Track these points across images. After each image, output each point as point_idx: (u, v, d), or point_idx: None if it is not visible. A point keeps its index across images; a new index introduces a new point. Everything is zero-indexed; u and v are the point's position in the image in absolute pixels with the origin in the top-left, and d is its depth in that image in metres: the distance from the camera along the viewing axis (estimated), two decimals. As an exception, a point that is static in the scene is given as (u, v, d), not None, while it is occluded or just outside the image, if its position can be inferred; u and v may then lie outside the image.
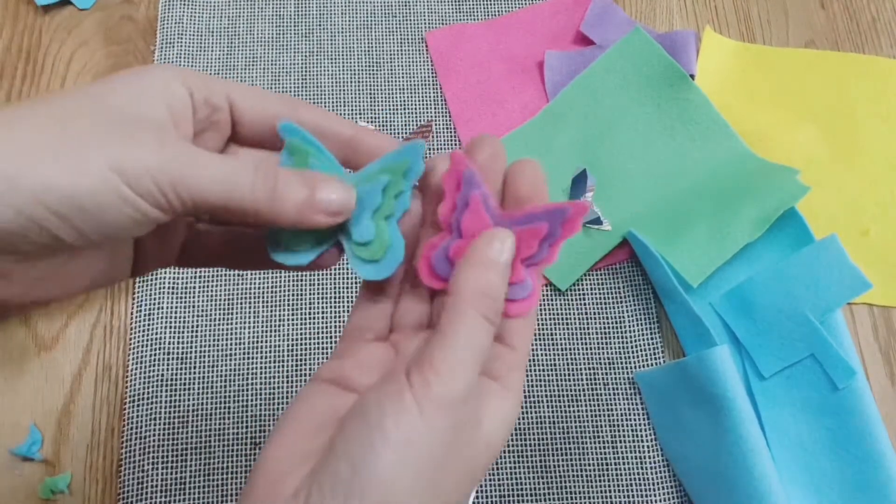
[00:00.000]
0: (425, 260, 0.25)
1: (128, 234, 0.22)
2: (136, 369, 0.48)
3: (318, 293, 0.51)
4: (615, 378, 0.50)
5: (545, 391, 0.49)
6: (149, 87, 0.23)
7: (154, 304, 0.49)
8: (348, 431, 0.22)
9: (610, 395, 0.49)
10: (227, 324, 0.49)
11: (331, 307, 0.50)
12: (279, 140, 0.26)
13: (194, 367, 0.48)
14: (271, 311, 0.50)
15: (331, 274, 0.51)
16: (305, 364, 0.49)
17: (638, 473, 0.47)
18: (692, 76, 0.56)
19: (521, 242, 0.25)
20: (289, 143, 0.26)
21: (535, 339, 0.50)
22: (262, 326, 0.50)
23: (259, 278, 0.51)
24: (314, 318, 0.50)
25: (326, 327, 0.50)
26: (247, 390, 0.48)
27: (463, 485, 0.23)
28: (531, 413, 0.49)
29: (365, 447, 0.21)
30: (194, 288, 0.50)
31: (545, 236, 0.24)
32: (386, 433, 0.21)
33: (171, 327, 0.49)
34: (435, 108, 0.57)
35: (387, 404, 0.21)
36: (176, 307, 0.49)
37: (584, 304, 0.52)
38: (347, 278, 0.51)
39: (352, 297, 0.51)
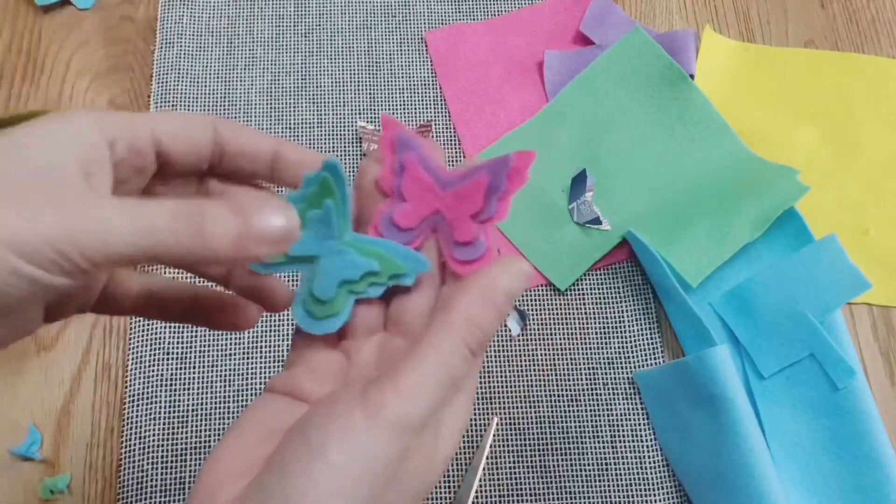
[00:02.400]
0: (374, 229, 0.25)
1: (35, 304, 0.21)
2: (135, 369, 0.48)
3: (318, 293, 0.51)
4: (615, 378, 0.50)
5: (545, 391, 0.49)
6: (58, 138, 0.21)
7: (154, 304, 0.49)
8: (287, 451, 0.20)
9: (610, 395, 0.49)
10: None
11: (331, 307, 0.50)
12: (205, 166, 0.26)
13: (194, 367, 0.48)
14: (271, 311, 0.50)
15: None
16: (305, 364, 0.49)
17: (638, 473, 0.47)
18: (692, 76, 0.56)
19: (463, 199, 0.24)
20: (320, 178, 0.24)
21: (535, 339, 0.50)
22: (262, 326, 0.50)
23: (259, 278, 0.51)
24: (314, 318, 0.50)
25: (326, 327, 0.50)
26: (247, 390, 0.48)
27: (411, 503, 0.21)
28: (531, 413, 0.49)
29: (302, 471, 0.19)
30: (194, 288, 0.50)
31: (490, 189, 0.23)
32: (327, 458, 0.19)
33: (170, 327, 0.49)
34: (435, 108, 0.57)
35: (332, 426, 0.20)
36: (176, 307, 0.49)
37: (584, 304, 0.52)
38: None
39: (352, 297, 0.51)
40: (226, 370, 0.48)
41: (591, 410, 0.49)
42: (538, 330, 0.51)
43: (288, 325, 0.50)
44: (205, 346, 0.49)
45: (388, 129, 0.25)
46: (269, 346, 0.49)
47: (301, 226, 0.24)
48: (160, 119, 0.24)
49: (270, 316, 0.50)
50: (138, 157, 0.24)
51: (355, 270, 0.24)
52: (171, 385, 0.47)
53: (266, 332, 0.49)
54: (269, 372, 0.48)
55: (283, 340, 0.49)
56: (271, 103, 0.56)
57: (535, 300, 0.52)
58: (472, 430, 0.48)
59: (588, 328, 0.51)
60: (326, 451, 0.19)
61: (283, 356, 0.49)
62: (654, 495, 0.47)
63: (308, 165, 0.26)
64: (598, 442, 0.48)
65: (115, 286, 0.27)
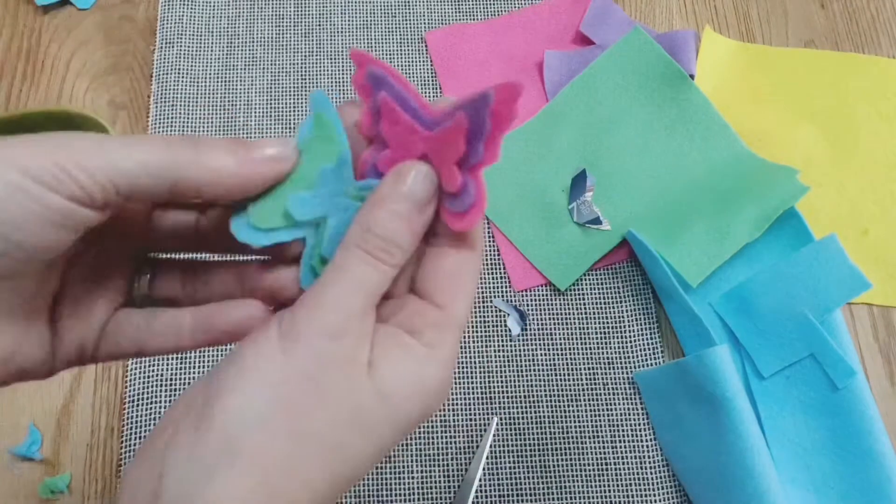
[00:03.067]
0: (359, 178, 0.24)
1: (52, 244, 0.20)
2: (135, 369, 0.48)
3: (318, 293, 0.51)
4: (615, 378, 0.50)
5: (545, 391, 0.49)
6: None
7: (154, 303, 0.49)
8: (210, 373, 0.21)
9: (610, 395, 0.49)
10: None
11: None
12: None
13: (194, 367, 0.48)
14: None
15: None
16: (305, 364, 0.49)
17: (638, 473, 0.47)
18: (692, 76, 0.56)
19: (444, 143, 0.22)
20: (314, 117, 0.23)
21: (535, 339, 0.50)
22: (262, 326, 0.50)
23: (259, 278, 0.51)
24: (314, 318, 0.50)
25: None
26: (246, 390, 0.48)
27: (342, 428, 0.21)
28: (531, 413, 0.49)
29: (220, 380, 0.20)
30: (194, 288, 0.50)
31: (470, 132, 0.21)
32: (243, 366, 0.20)
33: (170, 327, 0.49)
34: (435, 108, 0.57)
35: (249, 342, 0.21)
36: (176, 307, 0.49)
37: (584, 304, 0.52)
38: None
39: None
40: (226, 370, 0.48)
41: (591, 410, 0.49)
42: (538, 330, 0.51)
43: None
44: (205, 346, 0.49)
45: (359, 66, 0.23)
46: (269, 346, 0.49)
47: (306, 185, 0.23)
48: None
49: (270, 316, 0.50)
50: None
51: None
52: (171, 385, 0.47)
53: (266, 332, 0.49)
54: (269, 372, 0.48)
55: (283, 340, 0.49)
56: (271, 103, 0.56)
57: (535, 300, 0.52)
58: (472, 430, 0.48)
59: (588, 328, 0.51)
60: (244, 362, 0.20)
61: (283, 356, 0.49)
62: (654, 495, 0.47)
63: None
64: (598, 442, 0.48)
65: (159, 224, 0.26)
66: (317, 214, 0.23)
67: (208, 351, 0.48)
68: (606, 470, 0.47)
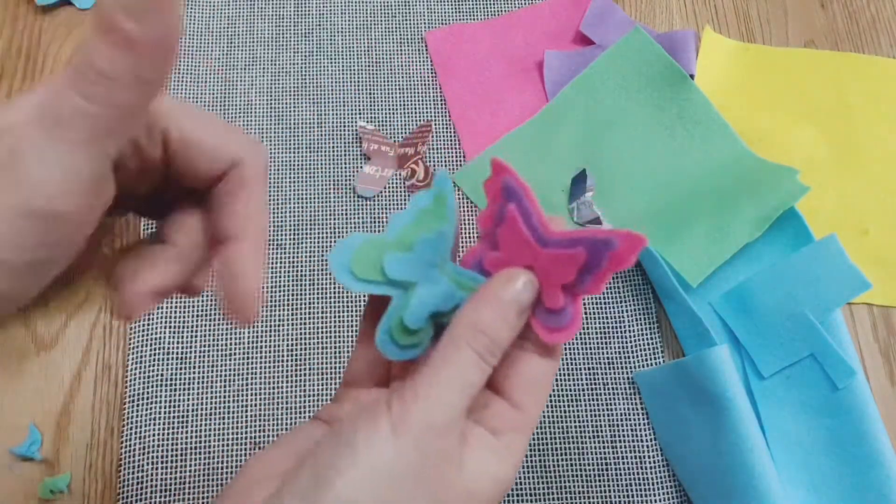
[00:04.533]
0: (461, 265, 0.25)
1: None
2: (135, 369, 0.48)
3: (319, 293, 0.51)
4: (615, 378, 0.50)
5: (545, 391, 0.49)
6: None
7: (154, 304, 0.49)
8: (319, 448, 0.22)
9: (610, 395, 0.49)
10: (227, 324, 0.49)
11: (331, 307, 0.50)
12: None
13: (194, 367, 0.48)
14: (271, 311, 0.50)
15: (330, 274, 0.51)
16: (305, 364, 0.49)
17: (638, 473, 0.47)
18: (692, 76, 0.56)
19: (555, 266, 0.23)
20: (435, 194, 0.24)
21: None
22: (262, 326, 0.50)
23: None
24: (314, 318, 0.50)
25: (326, 327, 0.50)
26: (247, 390, 0.48)
27: None
28: (531, 413, 0.49)
29: (330, 463, 0.21)
30: (194, 288, 0.50)
31: (585, 265, 0.23)
32: (354, 452, 0.21)
33: (171, 327, 0.49)
34: (435, 108, 0.57)
35: (360, 425, 0.21)
36: (176, 307, 0.49)
37: (584, 305, 0.52)
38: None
39: (352, 297, 0.51)
40: (226, 370, 0.48)
41: (591, 410, 0.49)
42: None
43: (288, 325, 0.50)
44: (205, 346, 0.49)
45: (496, 174, 0.24)
46: (270, 347, 0.49)
47: (405, 247, 0.24)
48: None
49: (270, 316, 0.50)
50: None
51: (450, 302, 0.24)
52: (171, 385, 0.47)
53: (266, 332, 0.49)
54: (269, 372, 0.48)
55: (282, 341, 0.49)
56: (271, 103, 0.56)
57: (535, 300, 0.52)
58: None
59: (588, 328, 0.51)
60: (355, 447, 0.21)
61: (283, 356, 0.49)
62: (654, 495, 0.47)
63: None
64: (598, 442, 0.48)
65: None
66: (407, 278, 0.24)
67: (208, 351, 0.48)
68: (606, 470, 0.47)
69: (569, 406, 0.49)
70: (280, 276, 0.51)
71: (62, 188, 0.19)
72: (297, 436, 0.24)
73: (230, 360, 0.49)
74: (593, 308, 0.52)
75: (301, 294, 0.51)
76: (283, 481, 0.21)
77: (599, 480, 0.47)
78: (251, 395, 0.48)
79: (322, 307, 0.50)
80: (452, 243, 0.25)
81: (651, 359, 0.50)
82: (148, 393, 0.47)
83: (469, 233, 0.53)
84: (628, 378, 0.50)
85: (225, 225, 0.24)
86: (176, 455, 0.46)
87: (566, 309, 0.23)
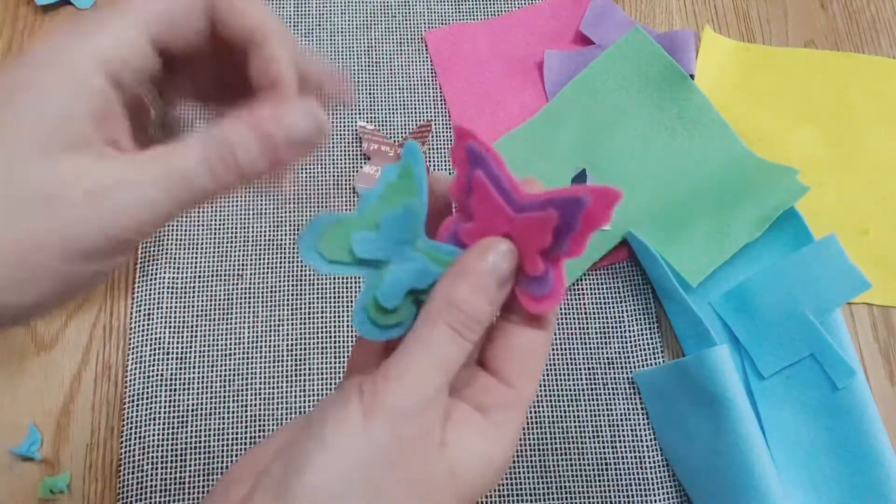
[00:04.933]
0: (438, 240, 0.24)
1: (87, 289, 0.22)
2: (135, 369, 0.48)
3: (319, 293, 0.51)
4: (615, 378, 0.50)
5: (545, 391, 0.49)
6: (55, 104, 0.20)
7: (154, 303, 0.49)
8: (291, 439, 0.21)
9: (610, 395, 0.49)
10: (227, 324, 0.49)
11: (331, 307, 0.50)
12: (207, 48, 0.23)
13: (194, 367, 0.48)
14: (271, 311, 0.50)
15: (331, 274, 0.51)
16: (305, 364, 0.49)
17: (638, 473, 0.47)
18: (692, 76, 0.56)
19: (530, 231, 0.22)
20: (403, 166, 0.24)
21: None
22: (262, 326, 0.50)
23: (259, 278, 0.51)
24: (314, 318, 0.50)
25: (326, 327, 0.50)
26: (247, 390, 0.48)
27: None
28: (531, 413, 0.49)
29: (299, 453, 0.20)
30: (194, 288, 0.50)
31: (560, 227, 0.21)
32: (323, 439, 0.20)
33: (171, 327, 0.49)
34: (435, 108, 0.57)
35: (329, 412, 0.21)
36: (176, 307, 0.49)
37: (584, 304, 0.52)
38: (347, 278, 0.51)
39: (352, 297, 0.51)
40: (226, 370, 0.48)
41: (591, 410, 0.49)
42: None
43: (289, 326, 0.50)
44: (205, 346, 0.49)
45: (459, 139, 0.23)
46: (269, 347, 0.49)
47: (374, 225, 0.23)
48: (151, 20, 0.22)
49: (270, 316, 0.50)
50: (147, 71, 0.22)
51: (426, 279, 0.23)
52: (171, 385, 0.47)
53: (266, 332, 0.49)
54: (270, 372, 0.48)
55: (282, 341, 0.49)
56: (271, 103, 0.56)
57: (535, 300, 0.52)
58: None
59: (588, 328, 0.51)
60: (325, 437, 0.20)
61: (283, 356, 0.49)
62: (654, 495, 0.47)
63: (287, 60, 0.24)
64: (598, 442, 0.48)
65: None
66: (378, 257, 0.23)
67: (208, 351, 0.49)
68: (606, 470, 0.47)
69: (569, 406, 0.49)
70: (280, 276, 0.51)
71: (145, 224, 0.20)
72: (280, 433, 0.24)
73: (230, 360, 0.49)
74: (593, 308, 0.52)
75: (301, 294, 0.51)
76: (257, 476, 0.21)
77: (599, 480, 0.47)
78: (251, 395, 0.48)
79: (322, 307, 0.50)
80: (424, 217, 0.24)
81: (651, 359, 0.50)
82: (148, 393, 0.47)
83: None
84: (628, 378, 0.50)
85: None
86: (176, 455, 0.46)
87: (548, 275, 0.22)
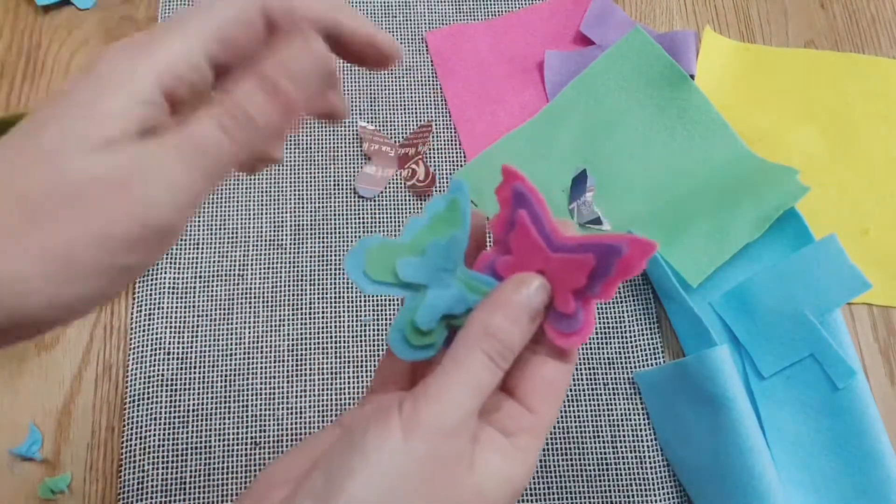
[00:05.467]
0: (477, 270, 0.26)
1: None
2: (136, 369, 0.48)
3: (318, 293, 0.51)
4: (615, 378, 0.50)
5: (545, 391, 0.49)
6: (109, 116, 0.20)
7: (154, 304, 0.49)
8: (332, 449, 0.22)
9: (610, 395, 0.49)
10: (227, 324, 0.49)
11: (331, 307, 0.50)
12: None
13: (194, 367, 0.48)
14: (271, 311, 0.50)
15: (331, 274, 0.51)
16: (305, 364, 0.49)
17: (638, 473, 0.47)
18: (692, 76, 0.56)
19: (566, 271, 0.23)
20: (451, 198, 0.25)
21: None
22: (262, 326, 0.50)
23: (259, 278, 0.51)
24: (314, 318, 0.50)
25: (326, 327, 0.50)
26: (247, 390, 0.48)
27: None
28: (531, 413, 0.49)
29: (341, 465, 0.21)
30: (194, 288, 0.50)
31: (595, 270, 0.23)
32: (365, 453, 0.21)
33: (171, 327, 0.49)
34: (435, 108, 0.57)
35: (372, 426, 0.22)
36: (176, 307, 0.49)
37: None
38: (347, 279, 0.51)
39: (352, 297, 0.51)
40: (226, 370, 0.48)
41: (591, 410, 0.49)
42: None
43: (289, 326, 0.50)
44: (205, 346, 0.49)
45: (507, 180, 0.25)
46: (270, 347, 0.49)
47: (419, 251, 0.25)
48: (209, 26, 0.22)
49: (271, 316, 0.50)
50: (201, 83, 0.23)
51: (461, 305, 0.25)
52: (171, 385, 0.47)
53: (266, 332, 0.49)
54: (270, 372, 0.48)
55: (282, 341, 0.49)
56: (271, 103, 0.56)
57: (536, 300, 0.52)
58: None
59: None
60: (366, 449, 0.21)
61: (283, 356, 0.49)
62: (654, 495, 0.47)
63: (367, 40, 0.25)
64: (598, 442, 0.48)
65: None
66: (420, 281, 0.25)
67: (208, 351, 0.49)
68: (606, 470, 0.48)
69: (569, 406, 0.49)
70: (280, 276, 0.51)
71: (178, 207, 0.21)
72: (314, 440, 0.24)
73: (230, 360, 0.49)
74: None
75: (301, 294, 0.51)
76: (297, 484, 0.21)
77: (599, 480, 0.47)
78: (251, 395, 0.48)
79: (322, 307, 0.50)
80: (465, 248, 0.25)
81: (651, 359, 0.50)
82: (148, 393, 0.47)
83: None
84: (628, 378, 0.50)
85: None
86: (176, 455, 0.46)
87: (578, 313, 0.24)
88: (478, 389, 0.22)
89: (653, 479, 0.47)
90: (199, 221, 0.52)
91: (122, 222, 0.20)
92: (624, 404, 0.49)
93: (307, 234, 0.52)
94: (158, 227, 0.21)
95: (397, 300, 0.51)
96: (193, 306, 0.50)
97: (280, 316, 0.50)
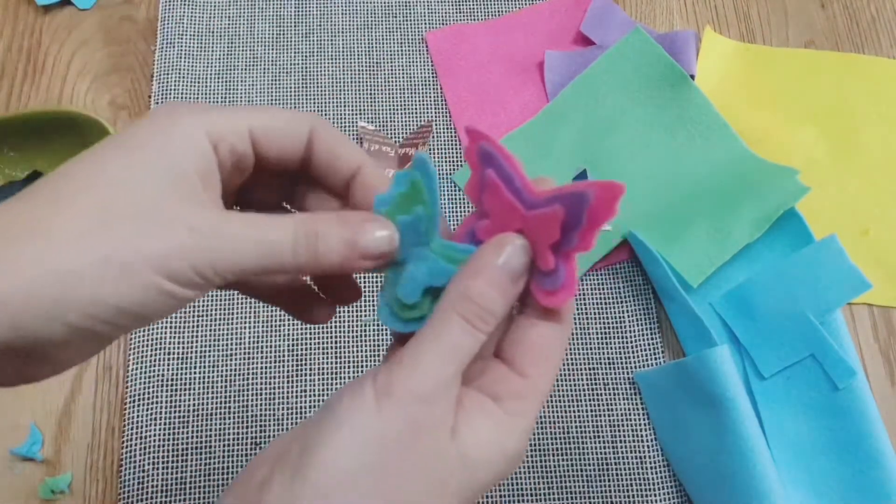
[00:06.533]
0: (457, 240, 0.25)
1: (162, 315, 0.23)
2: (136, 369, 0.48)
3: (319, 293, 0.51)
4: (615, 378, 0.50)
5: (545, 391, 0.49)
6: (177, 147, 0.23)
7: (154, 304, 0.49)
8: (308, 421, 0.22)
9: (610, 395, 0.49)
10: (227, 324, 0.49)
11: (331, 307, 0.50)
12: (299, 165, 0.26)
13: (194, 367, 0.48)
14: (271, 311, 0.50)
15: (331, 274, 0.51)
16: (305, 364, 0.49)
17: (638, 473, 0.47)
18: (692, 76, 0.56)
19: (540, 227, 0.23)
20: (410, 179, 0.25)
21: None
22: (262, 326, 0.50)
23: (259, 278, 0.51)
24: (314, 319, 0.50)
25: (326, 327, 0.50)
26: (247, 390, 0.48)
27: (425, 494, 0.21)
28: (531, 413, 0.49)
29: (316, 434, 0.21)
30: (194, 288, 0.50)
31: (567, 222, 0.22)
32: (339, 421, 0.21)
33: (171, 327, 0.49)
34: (435, 108, 0.57)
35: (346, 396, 0.22)
36: (176, 307, 0.49)
37: (584, 304, 0.52)
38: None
39: (352, 297, 0.51)
40: (226, 370, 0.48)
41: (591, 410, 0.49)
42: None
43: (289, 326, 0.50)
44: (205, 346, 0.49)
45: (472, 140, 0.24)
46: (270, 347, 0.49)
47: None
48: (259, 117, 0.25)
49: (271, 316, 0.50)
50: (239, 158, 0.25)
51: (441, 277, 0.24)
52: (171, 385, 0.47)
53: (266, 332, 0.49)
54: (270, 372, 0.48)
55: (282, 341, 0.49)
56: (272, 103, 0.56)
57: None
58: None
59: (588, 328, 0.51)
60: (339, 417, 0.21)
61: (283, 356, 0.49)
62: (654, 495, 0.47)
63: (380, 191, 0.26)
64: (598, 442, 0.48)
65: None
66: (397, 257, 0.25)
67: (209, 351, 0.49)
68: (606, 470, 0.48)
69: (569, 406, 0.49)
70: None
71: (229, 271, 0.22)
72: (303, 423, 0.24)
73: (230, 360, 0.49)
74: (593, 308, 0.52)
75: (301, 294, 0.51)
76: (278, 458, 0.22)
77: (599, 480, 0.47)
78: (251, 395, 0.48)
79: (322, 307, 0.50)
80: (437, 221, 0.25)
81: (651, 359, 0.50)
82: (148, 393, 0.47)
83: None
84: (628, 378, 0.50)
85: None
86: (176, 455, 0.46)
87: (559, 270, 0.23)
88: (456, 353, 0.22)
89: (653, 479, 0.47)
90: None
91: (187, 260, 0.21)
92: (624, 404, 0.49)
93: (307, 234, 0.52)
94: (207, 277, 0.22)
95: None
96: (193, 306, 0.50)
97: (280, 316, 0.50)
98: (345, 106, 0.56)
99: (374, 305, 0.51)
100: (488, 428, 0.23)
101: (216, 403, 0.47)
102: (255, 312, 0.50)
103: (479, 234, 0.24)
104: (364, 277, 0.50)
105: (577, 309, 0.52)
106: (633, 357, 0.50)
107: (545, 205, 0.22)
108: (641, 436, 0.48)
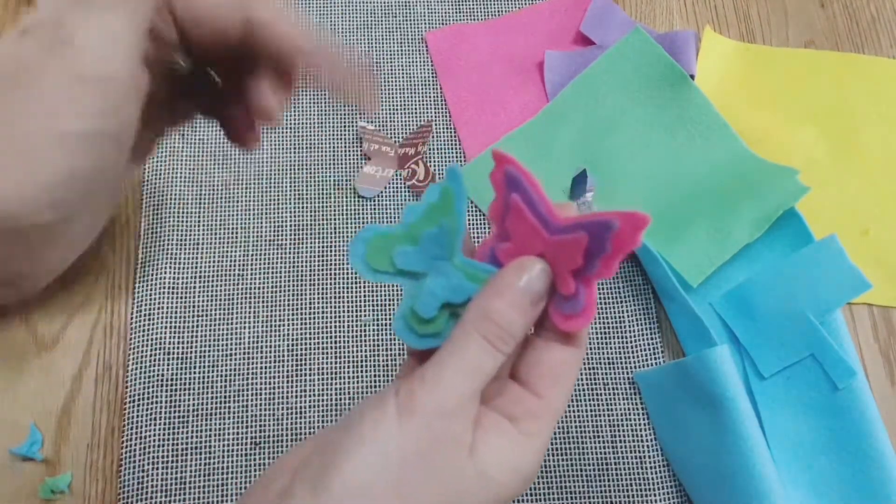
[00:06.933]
0: (478, 259, 0.26)
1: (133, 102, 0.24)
2: (136, 369, 0.48)
3: (318, 293, 0.51)
4: (615, 378, 0.50)
5: (545, 391, 0.49)
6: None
7: (154, 304, 0.49)
8: (329, 433, 0.22)
9: (610, 395, 0.49)
10: (227, 324, 0.49)
11: (331, 307, 0.50)
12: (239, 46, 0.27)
13: (194, 367, 0.48)
14: (271, 311, 0.50)
15: (331, 274, 0.51)
16: (305, 364, 0.49)
17: (638, 473, 0.47)
18: (692, 76, 0.56)
19: (562, 252, 0.23)
20: (442, 190, 0.25)
21: (535, 339, 0.51)
22: (262, 326, 0.50)
23: (259, 278, 0.51)
24: (314, 318, 0.50)
25: (326, 327, 0.50)
26: (247, 390, 0.48)
27: None
28: (531, 413, 0.49)
29: (337, 447, 0.21)
30: (194, 288, 0.50)
31: (590, 248, 0.23)
32: (362, 434, 0.21)
33: (171, 327, 0.49)
34: (435, 108, 0.57)
35: (367, 410, 0.22)
36: (176, 307, 0.49)
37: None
38: (347, 278, 0.51)
39: (352, 297, 0.51)
40: (226, 370, 0.48)
41: (590, 410, 0.49)
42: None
43: (288, 326, 0.50)
44: (205, 346, 0.49)
45: (498, 164, 0.24)
46: (270, 347, 0.49)
47: (415, 240, 0.25)
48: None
49: (270, 316, 0.50)
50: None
51: (460, 294, 0.25)
52: (171, 385, 0.47)
53: (266, 332, 0.49)
54: (270, 372, 0.48)
55: (282, 341, 0.49)
56: (271, 103, 0.56)
57: (536, 300, 0.52)
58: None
59: (588, 328, 0.51)
60: (361, 430, 0.21)
61: (283, 356, 0.49)
62: (654, 495, 0.47)
63: (281, 39, 0.28)
64: (598, 442, 0.48)
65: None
66: (417, 269, 0.25)
67: (208, 351, 0.49)
68: (606, 470, 0.48)
69: (569, 406, 0.49)
70: (280, 276, 0.51)
71: (107, 53, 0.22)
72: (319, 433, 0.25)
73: (230, 360, 0.49)
74: (593, 308, 0.52)
75: (301, 294, 0.51)
76: (296, 470, 0.22)
77: (599, 480, 0.47)
78: (251, 395, 0.48)
79: (322, 307, 0.50)
80: (461, 236, 0.25)
81: (651, 359, 0.50)
82: (148, 393, 0.47)
83: (472, 229, 0.53)
84: (628, 378, 0.50)
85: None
86: (176, 455, 0.46)
87: (580, 295, 0.23)
88: (475, 373, 0.22)
89: (653, 479, 0.47)
90: (199, 221, 0.52)
91: (61, 82, 0.21)
92: (624, 404, 0.49)
93: (307, 234, 0.52)
94: (99, 77, 0.22)
95: (397, 300, 0.51)
96: (193, 306, 0.50)
97: (280, 316, 0.50)
98: (345, 106, 0.56)
99: (373, 306, 0.51)
100: (504, 447, 0.23)
101: (216, 403, 0.47)
102: (255, 312, 0.50)
103: (500, 256, 0.25)
104: (363, 282, 0.50)
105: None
106: (633, 357, 0.50)
107: (569, 231, 0.23)
108: (641, 436, 0.48)
